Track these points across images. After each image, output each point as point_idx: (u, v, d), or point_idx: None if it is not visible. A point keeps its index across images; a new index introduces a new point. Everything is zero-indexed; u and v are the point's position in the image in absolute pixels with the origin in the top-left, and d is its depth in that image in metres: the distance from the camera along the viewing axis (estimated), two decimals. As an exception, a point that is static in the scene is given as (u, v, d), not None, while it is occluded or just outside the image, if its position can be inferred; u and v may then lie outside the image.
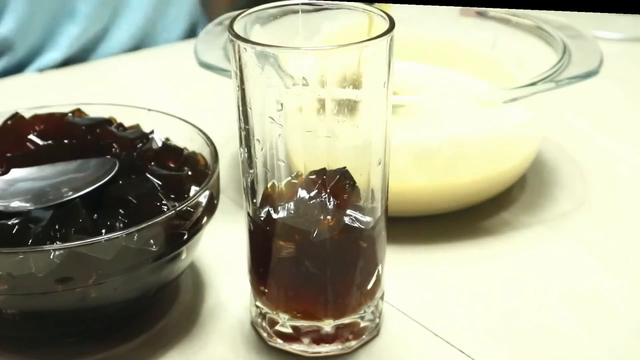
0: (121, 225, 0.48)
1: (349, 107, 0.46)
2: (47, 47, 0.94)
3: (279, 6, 0.49)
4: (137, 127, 0.58)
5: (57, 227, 0.47)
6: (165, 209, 0.49)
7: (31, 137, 0.56)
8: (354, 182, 0.47)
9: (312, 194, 0.47)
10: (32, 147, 0.55)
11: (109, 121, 0.58)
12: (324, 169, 0.46)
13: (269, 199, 0.48)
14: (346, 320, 0.49)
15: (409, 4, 0.73)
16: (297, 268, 0.48)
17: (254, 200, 0.48)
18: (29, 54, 0.94)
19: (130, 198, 0.50)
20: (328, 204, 0.47)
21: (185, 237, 0.50)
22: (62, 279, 0.46)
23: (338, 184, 0.46)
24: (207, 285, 0.56)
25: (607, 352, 0.51)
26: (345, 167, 0.47)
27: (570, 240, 0.62)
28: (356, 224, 0.47)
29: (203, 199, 0.51)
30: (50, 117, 0.57)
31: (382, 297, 0.52)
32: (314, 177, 0.47)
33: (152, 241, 0.48)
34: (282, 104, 0.45)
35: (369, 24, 0.48)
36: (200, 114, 0.66)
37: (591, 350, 0.51)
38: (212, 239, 0.57)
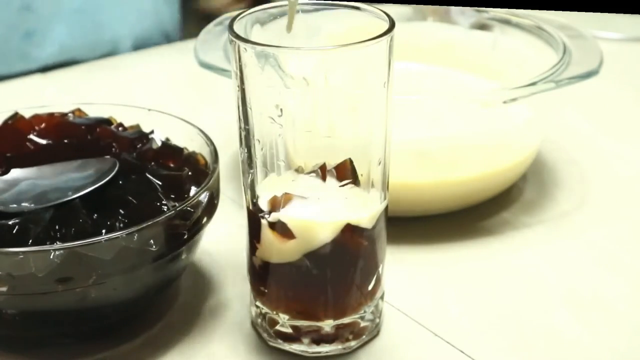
0: (121, 225, 0.48)
1: (349, 107, 0.46)
2: None
3: (279, 6, 0.49)
4: (137, 127, 0.58)
5: (57, 227, 0.47)
6: (165, 209, 0.49)
7: (31, 137, 0.56)
8: (356, 173, 0.47)
9: (312, 193, 0.47)
10: (32, 147, 0.55)
11: (109, 121, 0.58)
12: (323, 164, 0.46)
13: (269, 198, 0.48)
14: (346, 320, 0.49)
15: (409, 4, 0.73)
16: (297, 268, 0.48)
17: (254, 201, 0.48)
18: None
19: (130, 198, 0.50)
20: (328, 202, 0.47)
21: (185, 237, 0.50)
22: (62, 279, 0.46)
23: (341, 165, 0.46)
24: (207, 285, 0.56)
25: (607, 352, 0.51)
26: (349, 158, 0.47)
27: (570, 240, 0.62)
28: (356, 224, 0.47)
29: (203, 199, 0.51)
30: (50, 117, 0.57)
31: (382, 297, 0.52)
32: (314, 175, 0.47)
33: (152, 241, 0.48)
34: (282, 104, 0.45)
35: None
36: (200, 114, 0.66)
37: (591, 350, 0.51)
38: (212, 239, 0.57)
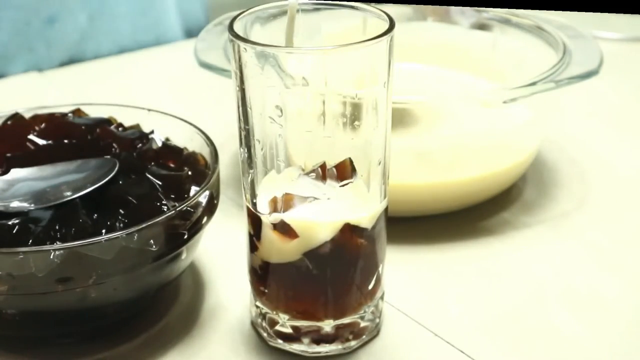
0: (121, 225, 0.48)
1: (349, 107, 0.46)
2: None
3: (279, 6, 0.49)
4: (137, 127, 0.58)
5: (57, 227, 0.47)
6: (165, 209, 0.49)
7: (31, 137, 0.56)
8: (356, 173, 0.47)
9: (312, 193, 0.47)
10: (32, 147, 0.55)
11: (109, 121, 0.58)
12: (323, 164, 0.46)
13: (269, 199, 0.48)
14: (346, 320, 0.49)
15: (408, 4, 0.73)
16: (297, 268, 0.48)
17: (254, 200, 0.48)
18: None
19: (130, 198, 0.50)
20: (328, 202, 0.47)
21: (185, 237, 0.50)
22: (62, 279, 0.46)
23: (341, 165, 0.46)
24: (207, 285, 0.56)
25: (607, 352, 0.51)
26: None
27: (570, 240, 0.62)
28: (356, 224, 0.47)
29: (203, 199, 0.51)
30: (50, 117, 0.57)
31: (382, 297, 0.52)
32: (314, 175, 0.47)
33: (152, 241, 0.48)
34: (282, 104, 0.45)
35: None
36: (200, 114, 0.66)
37: (591, 350, 0.51)
38: (212, 239, 0.57)
